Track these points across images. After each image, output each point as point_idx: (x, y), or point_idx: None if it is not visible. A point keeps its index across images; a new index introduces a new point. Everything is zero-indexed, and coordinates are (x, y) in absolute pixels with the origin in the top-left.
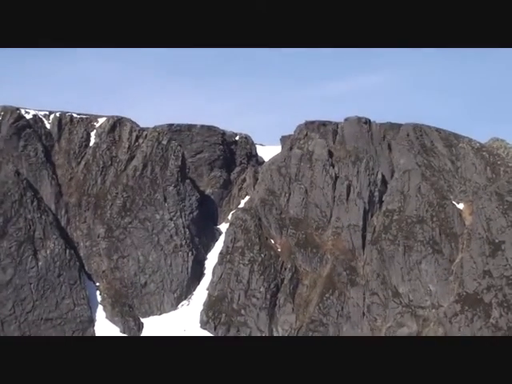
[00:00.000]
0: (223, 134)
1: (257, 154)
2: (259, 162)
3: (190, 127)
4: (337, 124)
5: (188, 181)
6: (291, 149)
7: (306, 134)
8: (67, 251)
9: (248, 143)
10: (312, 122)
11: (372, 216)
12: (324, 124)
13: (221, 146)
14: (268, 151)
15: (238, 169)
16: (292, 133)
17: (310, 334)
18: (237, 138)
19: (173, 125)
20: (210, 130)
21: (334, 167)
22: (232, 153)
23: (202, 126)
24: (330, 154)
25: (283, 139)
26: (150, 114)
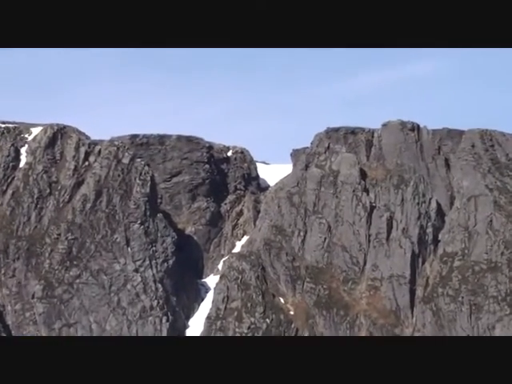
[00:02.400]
0: (209, 147)
1: (258, 175)
2: (261, 186)
3: (162, 139)
4: (372, 131)
5: (160, 215)
6: (307, 168)
7: (328, 147)
8: None
9: (245, 160)
10: (336, 130)
11: (424, 262)
12: (353, 132)
13: (206, 165)
14: (274, 172)
15: (231, 197)
16: (307, 145)
17: None
18: (229, 153)
19: (137, 136)
20: (191, 142)
21: (368, 193)
22: (223, 174)
23: (180, 138)
24: (363, 174)
25: (295, 154)
26: (105, 121)
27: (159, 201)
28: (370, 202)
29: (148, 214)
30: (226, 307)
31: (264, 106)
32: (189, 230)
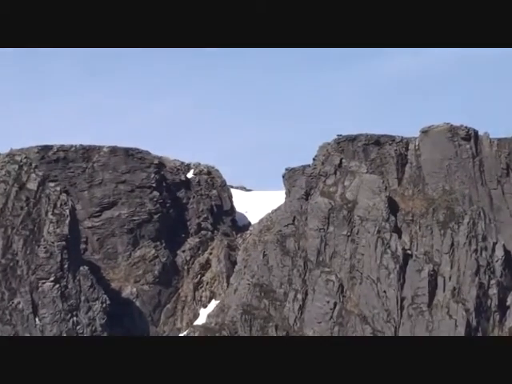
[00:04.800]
0: (159, 165)
1: (233, 208)
2: (238, 225)
3: (87, 152)
4: (405, 141)
5: (85, 269)
6: (308, 196)
7: (340, 165)
8: None
9: (214, 185)
10: (351, 139)
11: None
12: (377, 142)
13: (155, 192)
14: (258, 202)
15: (192, 241)
16: (308, 162)
17: None
18: (190, 173)
19: (50, 148)
20: (132, 157)
21: (400, 235)
22: (180, 206)
23: (114, 150)
24: (393, 206)
25: (289, 176)
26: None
27: (83, 247)
28: (404, 249)
29: (66, 266)
30: None
31: (242, 107)
32: (128, 290)
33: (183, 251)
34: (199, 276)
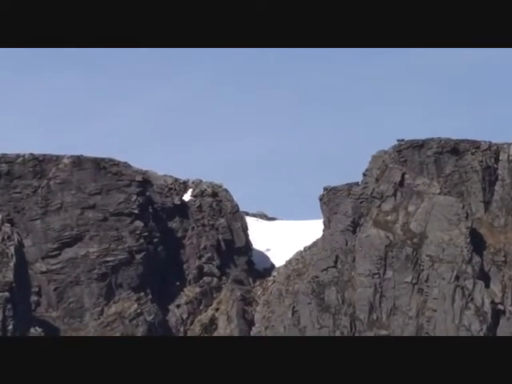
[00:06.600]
0: (143, 181)
1: (249, 244)
2: (257, 268)
3: (40, 164)
4: (494, 149)
5: (37, 331)
6: (355, 228)
7: (401, 182)
8: None
9: (222, 211)
10: (417, 145)
11: None
12: (455, 149)
13: (138, 222)
14: (285, 235)
15: (191, 291)
16: (356, 180)
17: None
18: (187, 194)
19: None
20: (103, 169)
21: (487, 283)
22: (173, 240)
23: (79, 160)
24: (477, 240)
25: (329, 199)
26: None
27: (35, 299)
28: (493, 303)
29: (10, 327)
30: None
31: (258, 102)
32: None
33: (178, 306)
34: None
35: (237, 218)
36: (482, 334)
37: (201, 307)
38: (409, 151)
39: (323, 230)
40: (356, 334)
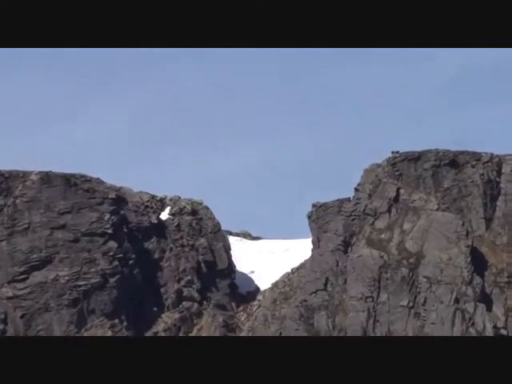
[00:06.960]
0: (117, 199)
1: (232, 265)
2: (240, 292)
3: (6, 181)
4: (496, 161)
5: None
6: (347, 247)
7: (396, 198)
8: None
9: (203, 230)
10: (413, 158)
11: None
12: (453, 161)
13: (111, 243)
14: (270, 256)
15: (170, 317)
16: (348, 195)
17: None
18: (164, 213)
19: None
20: (74, 186)
21: (490, 306)
22: (149, 262)
23: (47, 177)
24: (478, 260)
25: (318, 217)
26: None
27: (0, 327)
28: (496, 327)
29: None
30: None
31: (244, 109)
32: None
33: (155, 333)
34: None
35: (218, 237)
36: None
37: (180, 334)
38: (404, 164)
39: (312, 250)
40: None
